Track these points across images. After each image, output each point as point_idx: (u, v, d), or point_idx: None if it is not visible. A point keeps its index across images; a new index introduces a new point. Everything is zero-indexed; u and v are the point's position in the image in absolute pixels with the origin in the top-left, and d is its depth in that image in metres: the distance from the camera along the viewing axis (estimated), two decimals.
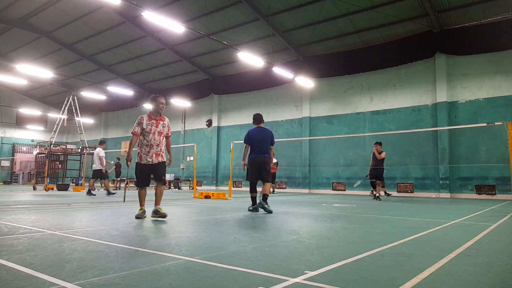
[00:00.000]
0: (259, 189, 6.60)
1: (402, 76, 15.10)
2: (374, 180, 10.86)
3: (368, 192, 13.73)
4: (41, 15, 18.17)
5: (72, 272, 2.17)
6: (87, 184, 14.14)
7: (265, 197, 6.40)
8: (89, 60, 22.00)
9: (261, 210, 6.43)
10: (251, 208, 6.50)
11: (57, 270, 2.21)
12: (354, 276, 2.17)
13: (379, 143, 10.91)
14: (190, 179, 20.91)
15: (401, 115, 14.99)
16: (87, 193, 11.80)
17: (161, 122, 5.22)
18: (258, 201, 6.47)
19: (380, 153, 10.72)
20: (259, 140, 6.55)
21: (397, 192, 14.68)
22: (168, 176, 21.27)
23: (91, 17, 17.72)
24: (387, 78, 15.48)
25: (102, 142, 12.39)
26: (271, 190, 15.59)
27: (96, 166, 11.87)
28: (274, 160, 14.56)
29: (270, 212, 6.18)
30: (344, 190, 16.17)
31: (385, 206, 8.15)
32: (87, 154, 18.01)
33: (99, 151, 11.93)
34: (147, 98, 22.78)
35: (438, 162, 13.74)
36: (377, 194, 10.67)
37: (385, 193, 13.61)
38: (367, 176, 11.62)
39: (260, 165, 6.51)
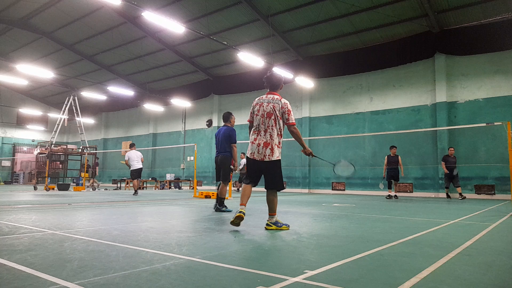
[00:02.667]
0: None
1: (402, 76, 15.11)
2: (391, 180, 11.74)
3: (389, 192, 11.98)
4: (42, 16, 18.18)
5: (72, 271, 2.18)
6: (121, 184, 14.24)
7: (220, 200, 6.36)
8: (89, 60, 22.02)
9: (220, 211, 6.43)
10: (215, 208, 6.41)
11: (57, 269, 2.22)
12: (354, 275, 2.18)
13: (395, 147, 12.13)
14: (191, 179, 20.92)
15: (401, 115, 15.00)
16: (134, 194, 12.08)
17: None
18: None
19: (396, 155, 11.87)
20: (219, 139, 6.54)
21: (397, 192, 14.66)
22: (169, 176, 21.32)
23: (91, 18, 17.74)
24: (387, 78, 15.49)
25: (133, 145, 12.84)
26: (237, 188, 15.71)
27: (137, 165, 12.18)
28: (244, 161, 14.72)
29: (228, 211, 6.25)
30: (344, 190, 16.19)
31: (385, 206, 8.16)
32: (88, 154, 18.02)
33: (138, 153, 12.39)
34: (147, 98, 22.83)
35: (437, 162, 13.74)
36: (395, 194, 11.76)
37: (448, 195, 12.05)
38: (383, 177, 12.13)
39: (218, 164, 6.50)
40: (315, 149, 17.28)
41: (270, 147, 4.13)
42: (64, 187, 15.61)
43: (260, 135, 4.18)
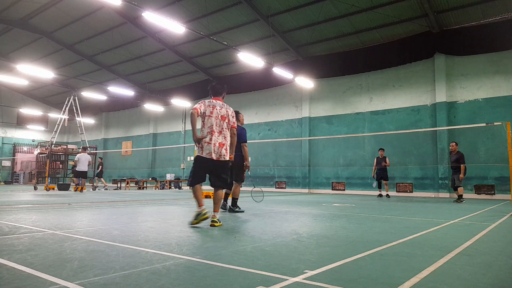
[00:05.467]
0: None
1: (402, 76, 15.12)
2: (381, 180, 12.35)
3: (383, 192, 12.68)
4: (42, 16, 18.19)
5: (73, 271, 2.18)
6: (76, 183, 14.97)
7: (233, 201, 6.36)
8: (89, 61, 22.03)
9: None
10: (224, 208, 6.44)
11: (57, 269, 2.22)
12: (354, 275, 2.18)
13: (383, 149, 12.66)
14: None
15: (401, 115, 15.01)
16: (75, 190, 13.97)
17: None
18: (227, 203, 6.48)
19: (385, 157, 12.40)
20: None
21: (397, 192, 14.70)
22: (169, 176, 21.33)
23: (91, 18, 17.74)
24: (387, 79, 15.50)
25: (84, 148, 14.84)
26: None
27: (82, 168, 13.73)
28: None
29: (241, 211, 6.30)
30: (344, 190, 16.19)
31: (384, 206, 8.17)
32: (88, 154, 18.05)
33: (88, 156, 14.06)
34: (147, 98, 22.84)
35: (437, 162, 13.75)
36: (386, 193, 12.30)
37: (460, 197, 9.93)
38: (372, 177, 12.75)
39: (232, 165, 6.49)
40: (315, 149, 17.31)
41: (225, 147, 4.46)
42: (64, 187, 15.62)
43: (215, 136, 4.42)
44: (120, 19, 17.54)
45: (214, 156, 4.37)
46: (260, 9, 14.95)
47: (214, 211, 4.44)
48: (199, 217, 4.26)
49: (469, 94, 13.54)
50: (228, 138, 4.52)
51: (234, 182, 6.38)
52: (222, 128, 4.46)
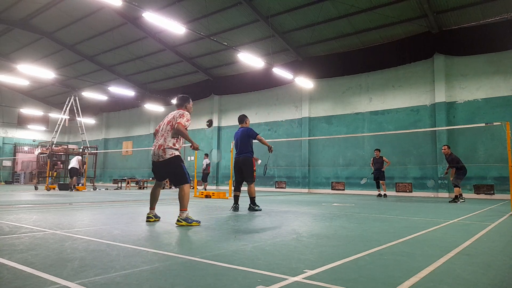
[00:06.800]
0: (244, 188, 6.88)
1: (401, 76, 15.13)
2: (378, 180, 12.44)
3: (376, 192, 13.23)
4: (43, 16, 18.20)
5: (73, 271, 2.19)
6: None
7: (251, 200, 6.62)
8: (90, 61, 22.04)
9: (242, 209, 6.70)
10: (232, 208, 6.63)
11: (58, 269, 2.23)
12: (354, 275, 2.19)
13: (379, 149, 12.69)
14: (191, 178, 20.91)
15: (400, 115, 15.02)
16: (70, 190, 14.54)
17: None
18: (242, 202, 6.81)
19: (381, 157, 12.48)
20: (237, 141, 6.78)
21: (396, 191, 14.71)
22: None
23: (92, 18, 17.76)
24: (386, 79, 15.51)
25: (78, 154, 16.72)
26: (204, 187, 16.31)
27: (72, 165, 14.81)
28: (207, 161, 15.11)
29: (259, 210, 6.53)
30: (343, 189, 16.20)
31: (384, 205, 8.17)
32: (89, 154, 18.06)
33: (77, 157, 15.28)
34: (148, 98, 22.86)
35: (436, 162, 13.76)
36: (384, 193, 12.34)
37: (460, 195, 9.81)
38: (372, 174, 12.73)
39: (238, 165, 6.70)
40: (314, 149, 17.32)
41: (162, 148, 4.53)
42: (65, 187, 15.64)
43: (157, 139, 4.66)
44: (120, 20, 17.55)
45: (154, 159, 4.60)
46: (260, 10, 14.96)
47: (180, 210, 4.44)
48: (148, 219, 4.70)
49: (468, 94, 13.55)
50: (168, 140, 4.53)
51: (247, 183, 6.68)
52: (165, 131, 4.60)
